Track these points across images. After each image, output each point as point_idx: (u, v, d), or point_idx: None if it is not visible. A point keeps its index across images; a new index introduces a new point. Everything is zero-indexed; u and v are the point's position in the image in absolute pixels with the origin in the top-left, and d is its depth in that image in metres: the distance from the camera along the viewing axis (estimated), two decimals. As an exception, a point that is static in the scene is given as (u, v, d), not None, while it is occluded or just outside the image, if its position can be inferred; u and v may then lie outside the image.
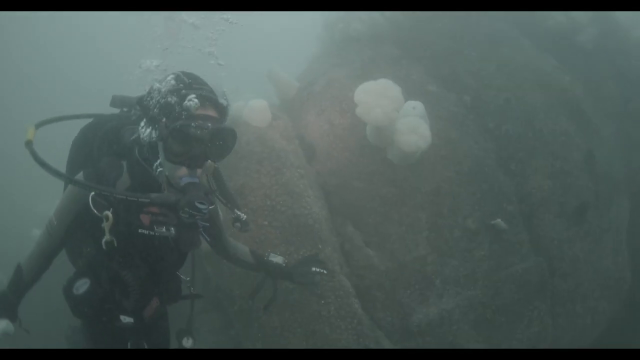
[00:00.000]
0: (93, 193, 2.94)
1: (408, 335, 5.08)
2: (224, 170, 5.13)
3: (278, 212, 4.93)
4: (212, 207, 3.16)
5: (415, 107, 5.21)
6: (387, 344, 5.00)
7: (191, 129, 2.82)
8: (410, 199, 5.31)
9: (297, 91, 6.47)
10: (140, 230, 3.02)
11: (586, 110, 6.49)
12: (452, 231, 5.31)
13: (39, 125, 3.26)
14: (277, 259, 4.13)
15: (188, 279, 3.77)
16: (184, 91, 2.88)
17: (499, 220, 5.36)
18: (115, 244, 3.01)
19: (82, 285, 3.10)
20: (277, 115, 5.65)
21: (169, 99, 2.86)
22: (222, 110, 3.01)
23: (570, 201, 5.79)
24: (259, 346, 4.93)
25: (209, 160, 3.01)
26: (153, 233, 3.03)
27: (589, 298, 5.82)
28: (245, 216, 3.57)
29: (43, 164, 2.86)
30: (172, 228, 3.04)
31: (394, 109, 4.92)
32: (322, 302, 4.80)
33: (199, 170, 2.96)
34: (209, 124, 2.86)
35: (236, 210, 3.57)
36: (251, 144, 5.22)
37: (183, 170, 2.92)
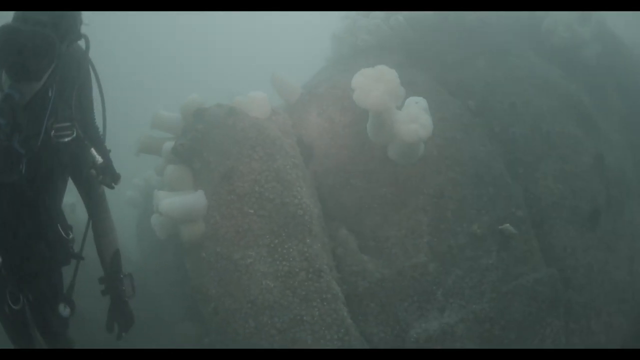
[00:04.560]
0: None
1: (404, 353, 4.33)
2: (215, 156, 4.54)
3: (266, 199, 4.32)
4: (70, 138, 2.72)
5: (418, 102, 4.60)
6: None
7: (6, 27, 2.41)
8: (412, 201, 4.60)
9: (300, 95, 5.93)
10: None
11: (593, 116, 5.78)
12: (457, 237, 4.54)
13: None
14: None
15: (71, 236, 3.06)
16: None
17: (507, 225, 4.57)
18: None
19: None
20: (277, 111, 5.15)
21: None
22: (55, 19, 2.52)
23: (582, 206, 5.01)
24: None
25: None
26: None
27: (603, 313, 4.96)
28: (101, 159, 2.84)
29: None
30: None
31: (390, 92, 4.38)
32: (306, 305, 4.11)
33: (27, 86, 2.50)
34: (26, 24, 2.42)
35: (93, 150, 2.85)
36: (246, 131, 4.64)
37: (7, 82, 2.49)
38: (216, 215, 4.44)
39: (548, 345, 4.59)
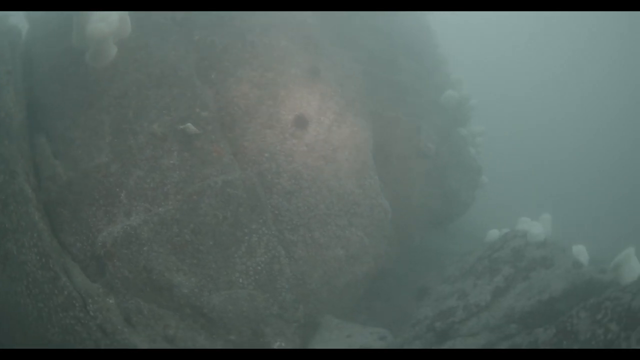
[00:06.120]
0: None
1: (99, 263, 4.07)
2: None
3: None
4: None
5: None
6: (78, 274, 3.97)
7: None
8: (97, 102, 4.54)
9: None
10: None
11: (317, 37, 5.85)
12: (137, 137, 4.44)
13: None
14: None
15: None
16: None
17: (189, 124, 4.48)
18: None
19: None
20: (12, 28, 5.17)
21: None
22: None
23: (283, 112, 4.97)
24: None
25: None
26: None
27: (330, 225, 4.79)
28: None
29: None
30: None
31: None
32: (6, 210, 3.99)
33: None
34: None
35: None
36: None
37: None
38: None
39: (261, 256, 4.34)
